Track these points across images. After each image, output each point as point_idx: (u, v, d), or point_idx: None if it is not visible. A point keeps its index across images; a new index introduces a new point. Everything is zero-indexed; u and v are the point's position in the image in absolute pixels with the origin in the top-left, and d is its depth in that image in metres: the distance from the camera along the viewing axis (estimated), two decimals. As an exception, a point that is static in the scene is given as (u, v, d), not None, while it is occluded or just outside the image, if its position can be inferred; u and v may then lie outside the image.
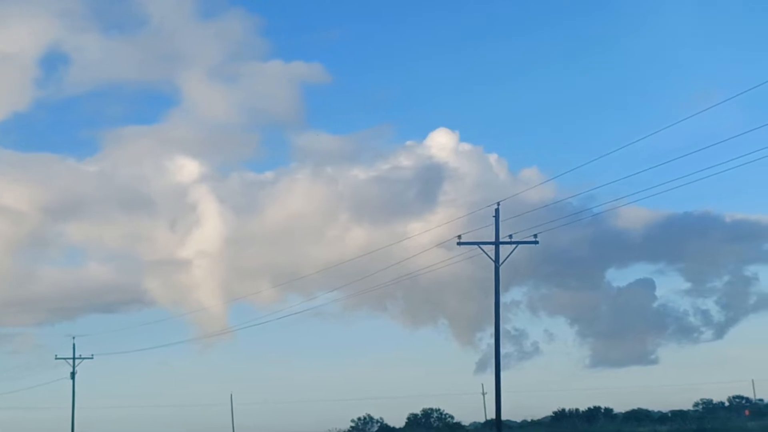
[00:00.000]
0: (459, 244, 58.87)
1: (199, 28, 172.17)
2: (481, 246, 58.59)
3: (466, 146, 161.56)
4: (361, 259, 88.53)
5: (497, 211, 58.29)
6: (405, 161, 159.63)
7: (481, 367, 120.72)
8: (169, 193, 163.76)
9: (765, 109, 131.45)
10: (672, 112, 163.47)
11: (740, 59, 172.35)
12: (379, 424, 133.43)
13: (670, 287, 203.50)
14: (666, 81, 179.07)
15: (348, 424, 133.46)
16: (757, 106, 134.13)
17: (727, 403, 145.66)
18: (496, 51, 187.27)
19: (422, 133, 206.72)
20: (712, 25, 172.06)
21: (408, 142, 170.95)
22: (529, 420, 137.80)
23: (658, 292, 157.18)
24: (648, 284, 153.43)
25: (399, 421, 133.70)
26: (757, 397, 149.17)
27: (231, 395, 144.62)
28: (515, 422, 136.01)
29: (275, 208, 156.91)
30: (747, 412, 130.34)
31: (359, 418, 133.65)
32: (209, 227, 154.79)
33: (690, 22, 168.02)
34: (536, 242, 58.72)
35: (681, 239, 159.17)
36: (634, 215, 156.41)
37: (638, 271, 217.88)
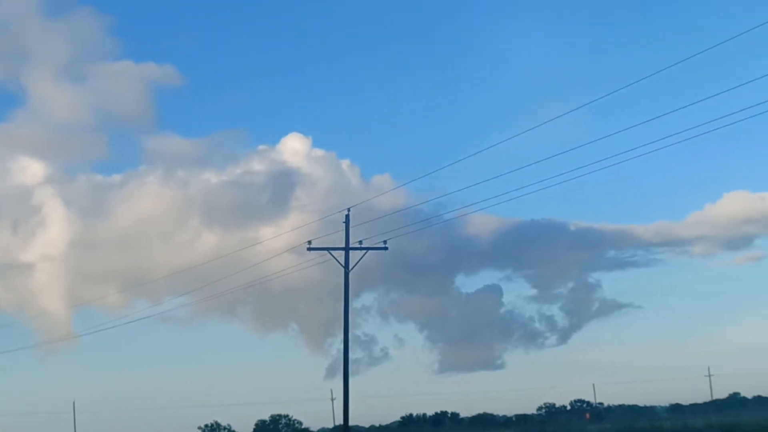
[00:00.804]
0: (309, 249, 58.83)
1: (46, 25, 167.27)
2: (331, 251, 58.70)
3: (319, 152, 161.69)
4: (211, 264, 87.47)
5: (347, 216, 58.50)
6: (257, 166, 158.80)
7: (331, 372, 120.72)
8: (12, 195, 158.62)
9: (608, 118, 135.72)
10: (519, 121, 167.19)
11: (584, 69, 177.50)
12: (226, 431, 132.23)
13: (517, 293, 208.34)
14: (514, 91, 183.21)
15: (195, 431, 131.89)
16: (601, 116, 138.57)
17: (569, 407, 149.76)
18: (350, 59, 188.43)
19: (275, 138, 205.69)
20: (555, 37, 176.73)
21: (261, 147, 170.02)
22: (377, 425, 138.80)
23: (505, 299, 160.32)
24: (495, 290, 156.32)
25: (247, 428, 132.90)
26: (598, 400, 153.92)
27: (74, 403, 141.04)
28: (363, 427, 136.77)
29: (123, 212, 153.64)
30: (588, 416, 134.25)
31: (207, 425, 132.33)
32: (54, 230, 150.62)
33: (534, 33, 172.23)
34: (386, 248, 59.13)
35: (527, 246, 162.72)
36: (483, 222, 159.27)
37: (486, 277, 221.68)
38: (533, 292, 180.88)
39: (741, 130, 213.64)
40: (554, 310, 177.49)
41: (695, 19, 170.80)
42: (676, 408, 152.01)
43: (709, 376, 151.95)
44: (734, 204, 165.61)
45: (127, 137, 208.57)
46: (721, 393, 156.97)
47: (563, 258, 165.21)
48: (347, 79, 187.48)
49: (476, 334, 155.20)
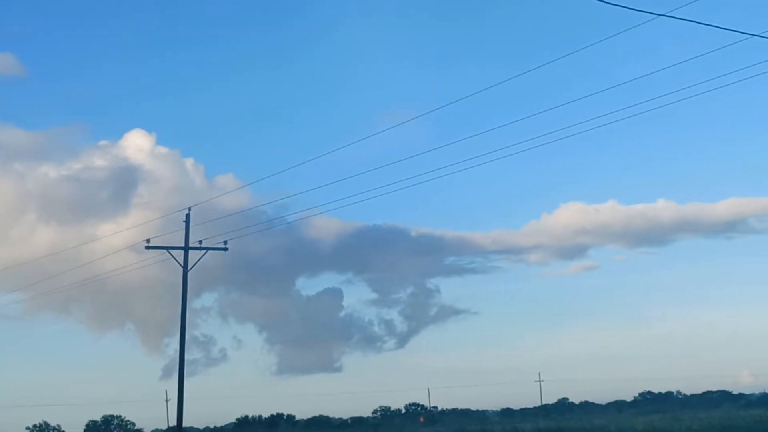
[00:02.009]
0: (147, 248, 57.97)
1: None
2: (170, 251, 57.97)
3: (163, 149, 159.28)
4: (47, 260, 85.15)
5: (188, 216, 57.93)
6: (98, 161, 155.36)
7: (167, 373, 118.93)
8: None
9: (452, 126, 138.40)
10: (366, 124, 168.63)
11: (431, 76, 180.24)
12: (55, 431, 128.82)
13: (357, 297, 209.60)
14: (361, 94, 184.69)
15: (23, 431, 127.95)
16: (446, 123, 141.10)
17: (403, 410, 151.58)
18: (197, 55, 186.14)
19: (117, 134, 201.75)
20: (403, 41, 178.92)
21: (102, 142, 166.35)
22: (212, 426, 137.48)
23: (345, 302, 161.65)
24: (336, 294, 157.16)
25: (77, 429, 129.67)
26: (432, 404, 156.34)
27: None
28: (198, 429, 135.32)
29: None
30: (421, 419, 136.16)
31: (35, 425, 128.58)
32: None
33: (383, 37, 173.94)
34: (226, 249, 58.75)
35: (369, 251, 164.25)
36: (326, 225, 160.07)
37: (327, 280, 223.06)
38: (373, 296, 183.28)
39: (578, 142, 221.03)
40: (393, 315, 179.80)
41: (538, 31, 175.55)
42: (507, 412, 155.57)
43: (540, 381, 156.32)
44: (570, 215, 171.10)
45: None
46: (551, 398, 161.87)
47: (404, 263, 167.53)
48: (193, 77, 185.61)
49: (315, 337, 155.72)
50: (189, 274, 57.81)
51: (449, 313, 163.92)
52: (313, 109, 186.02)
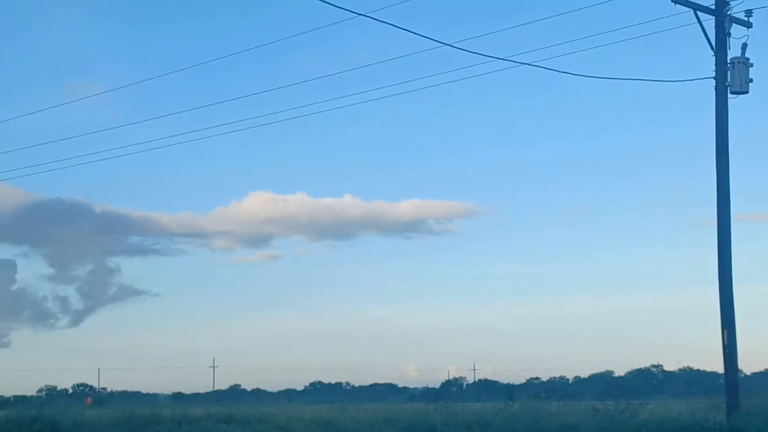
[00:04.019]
0: None
1: None
2: None
3: None
4: None
5: None
6: None
7: None
8: None
9: (143, 106, 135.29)
10: (53, 95, 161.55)
11: (124, 54, 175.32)
12: None
13: (33, 271, 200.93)
14: (50, 63, 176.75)
15: None
16: (137, 103, 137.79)
17: (71, 391, 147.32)
18: None
19: None
20: (96, 22, 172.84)
21: None
22: None
23: (18, 275, 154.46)
24: (9, 266, 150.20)
25: None
26: (102, 386, 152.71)
27: None
28: None
29: None
30: (89, 400, 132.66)
31: None
32: None
33: (74, 16, 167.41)
34: None
35: (49, 224, 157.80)
36: (4, 194, 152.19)
37: (1, 251, 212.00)
38: (50, 271, 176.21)
39: (272, 132, 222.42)
40: (70, 292, 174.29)
41: (248, 15, 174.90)
42: (178, 396, 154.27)
43: (214, 367, 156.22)
44: (258, 203, 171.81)
45: None
46: (224, 384, 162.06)
47: (85, 239, 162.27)
48: None
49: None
50: None
51: (129, 293, 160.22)
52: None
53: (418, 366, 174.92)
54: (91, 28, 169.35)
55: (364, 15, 25.94)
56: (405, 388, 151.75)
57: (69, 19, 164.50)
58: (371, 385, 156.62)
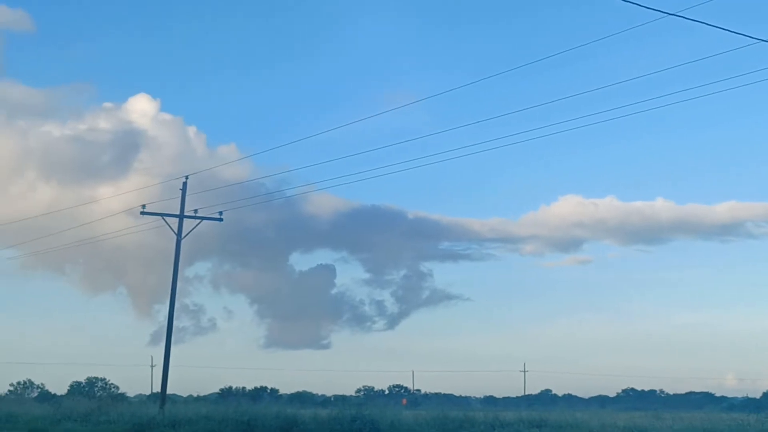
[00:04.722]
0: (143, 213, 58.16)
1: None
2: (165, 217, 58.13)
3: (166, 116, 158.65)
4: (43, 219, 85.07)
5: (185, 184, 58.10)
6: (102, 123, 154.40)
7: (155, 339, 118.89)
8: None
9: (453, 113, 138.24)
10: (369, 107, 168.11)
11: (433, 63, 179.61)
12: (39, 390, 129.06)
13: (351, 276, 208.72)
14: (364, 77, 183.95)
15: (6, 389, 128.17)
16: (447, 110, 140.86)
17: (387, 392, 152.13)
18: (208, 27, 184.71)
19: (122, 97, 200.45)
20: (407, 27, 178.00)
21: (106, 104, 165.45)
22: (195, 396, 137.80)
23: (338, 280, 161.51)
24: (329, 270, 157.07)
25: (61, 388, 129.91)
26: (416, 387, 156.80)
27: None
28: (181, 396, 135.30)
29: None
30: (404, 401, 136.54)
31: (19, 383, 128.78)
32: None
33: (387, 22, 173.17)
34: (220, 219, 58.90)
35: (365, 230, 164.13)
36: (324, 202, 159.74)
37: (322, 257, 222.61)
38: (366, 276, 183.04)
39: (581, 136, 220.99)
40: (385, 296, 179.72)
41: (545, 24, 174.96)
42: (489, 400, 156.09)
43: (524, 371, 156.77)
44: (568, 207, 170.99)
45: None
46: (534, 389, 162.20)
47: (399, 245, 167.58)
48: (200, 45, 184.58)
49: (306, 312, 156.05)
50: (183, 242, 57.99)
51: (441, 297, 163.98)
52: (318, 86, 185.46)
53: (738, 374, 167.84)
54: (400, 36, 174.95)
55: (675, 15, 25.30)
56: (723, 398, 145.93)
57: (379, 28, 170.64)
58: (686, 394, 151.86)
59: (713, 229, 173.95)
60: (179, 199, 58.05)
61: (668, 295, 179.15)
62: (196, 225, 58.33)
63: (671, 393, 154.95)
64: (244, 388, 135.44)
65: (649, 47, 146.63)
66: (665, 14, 26.10)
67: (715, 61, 38.09)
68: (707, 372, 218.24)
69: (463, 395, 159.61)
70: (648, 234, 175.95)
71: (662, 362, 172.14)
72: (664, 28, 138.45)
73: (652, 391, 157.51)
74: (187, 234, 57.99)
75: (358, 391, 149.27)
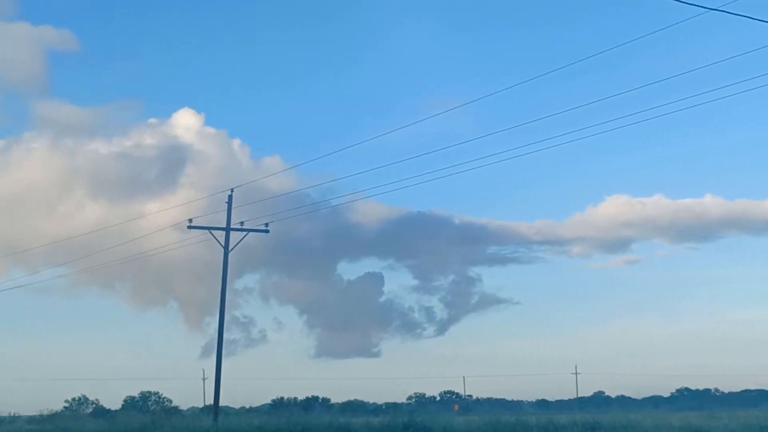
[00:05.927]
0: (189, 227, 58.51)
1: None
2: (212, 231, 58.46)
3: (211, 129, 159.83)
4: (93, 236, 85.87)
5: (230, 197, 58.40)
6: (148, 139, 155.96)
7: (207, 352, 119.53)
8: None
9: (497, 117, 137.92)
10: (411, 113, 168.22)
11: (476, 66, 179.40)
12: (94, 406, 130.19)
13: (399, 283, 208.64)
14: (407, 83, 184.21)
15: (61, 405, 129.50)
16: (491, 113, 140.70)
17: (438, 398, 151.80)
18: (250, 39, 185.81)
19: (167, 113, 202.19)
20: (445, 37, 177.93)
21: (152, 120, 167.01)
22: (247, 407, 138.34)
23: (386, 287, 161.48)
24: (377, 278, 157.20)
25: (115, 403, 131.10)
26: (467, 393, 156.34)
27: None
28: (233, 408, 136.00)
29: (6, 177, 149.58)
30: (456, 408, 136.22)
31: (74, 399, 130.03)
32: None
33: (429, 34, 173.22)
34: (267, 231, 59.18)
35: (411, 237, 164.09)
36: (369, 210, 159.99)
37: (369, 265, 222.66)
38: (414, 282, 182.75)
39: (626, 135, 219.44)
40: (434, 302, 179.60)
41: (589, 22, 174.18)
42: (542, 403, 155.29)
43: (576, 374, 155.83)
44: (615, 207, 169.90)
45: (17, 101, 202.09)
46: (587, 391, 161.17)
47: (446, 251, 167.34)
48: (243, 58, 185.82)
49: (355, 321, 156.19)
50: (231, 254, 58.30)
51: (490, 302, 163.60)
52: (361, 93, 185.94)
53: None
54: (442, 42, 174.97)
55: (717, 9, 25.05)
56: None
57: (421, 34, 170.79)
58: (742, 392, 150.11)
59: (764, 225, 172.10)
60: (225, 212, 58.40)
61: (720, 292, 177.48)
62: (243, 237, 58.62)
63: (726, 391, 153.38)
64: (295, 398, 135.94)
65: (693, 44, 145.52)
66: (707, 9, 25.87)
67: (759, 55, 37.66)
68: (762, 369, 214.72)
69: (515, 399, 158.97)
70: (698, 231, 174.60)
71: (716, 360, 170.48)
72: (706, 25, 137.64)
73: (707, 390, 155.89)
74: (234, 246, 58.29)
75: (410, 398, 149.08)
